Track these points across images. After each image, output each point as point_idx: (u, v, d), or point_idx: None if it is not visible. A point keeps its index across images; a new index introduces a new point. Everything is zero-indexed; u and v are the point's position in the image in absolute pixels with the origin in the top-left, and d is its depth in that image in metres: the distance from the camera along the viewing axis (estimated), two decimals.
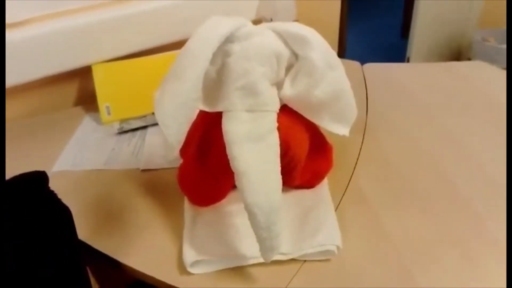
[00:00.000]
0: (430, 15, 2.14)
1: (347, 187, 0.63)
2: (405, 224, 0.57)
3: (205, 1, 0.92)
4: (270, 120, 0.49)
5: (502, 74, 0.91)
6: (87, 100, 0.88)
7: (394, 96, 0.85)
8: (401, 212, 0.59)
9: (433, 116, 0.78)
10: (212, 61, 0.48)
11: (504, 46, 1.93)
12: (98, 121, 0.82)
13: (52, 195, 0.45)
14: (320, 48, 0.51)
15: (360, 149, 0.71)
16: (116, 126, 0.79)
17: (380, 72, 0.95)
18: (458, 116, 0.78)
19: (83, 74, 0.85)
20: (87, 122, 0.83)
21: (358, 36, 2.79)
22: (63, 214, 0.45)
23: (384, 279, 0.50)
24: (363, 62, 0.97)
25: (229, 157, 0.48)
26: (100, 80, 0.83)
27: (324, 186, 0.62)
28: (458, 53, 2.34)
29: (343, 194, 0.62)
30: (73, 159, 0.72)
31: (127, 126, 0.80)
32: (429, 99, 0.83)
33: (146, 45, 0.89)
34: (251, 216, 0.46)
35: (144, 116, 0.80)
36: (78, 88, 0.89)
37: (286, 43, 0.51)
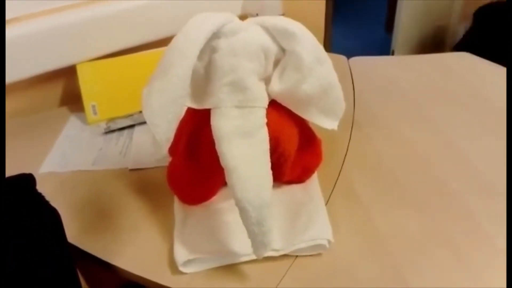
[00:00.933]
0: (414, 8, 2.15)
1: (336, 181, 0.64)
2: (394, 218, 0.57)
3: None
4: (259, 116, 0.49)
5: (487, 64, 0.92)
6: (72, 100, 0.87)
7: (381, 89, 0.86)
8: (390, 207, 0.59)
9: (421, 109, 0.79)
10: (200, 58, 0.48)
11: None
12: (84, 121, 0.81)
13: (40, 197, 0.44)
14: (308, 43, 0.50)
15: (349, 143, 0.71)
16: (103, 126, 0.78)
17: (366, 65, 0.95)
18: (446, 108, 0.79)
19: (68, 73, 0.83)
20: (73, 122, 0.82)
21: (342, 30, 2.80)
22: (51, 217, 0.44)
23: (375, 273, 0.50)
24: (348, 56, 0.97)
25: (218, 153, 0.47)
26: (85, 79, 0.81)
27: (314, 181, 0.62)
28: (442, 45, 2.37)
29: (333, 189, 0.62)
30: (60, 160, 0.71)
31: (114, 126, 0.79)
32: (416, 91, 0.84)
33: (131, 43, 0.88)
34: (242, 212, 0.46)
35: (131, 115, 0.80)
36: (63, 88, 0.88)
37: (273, 38, 0.50)
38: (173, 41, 0.49)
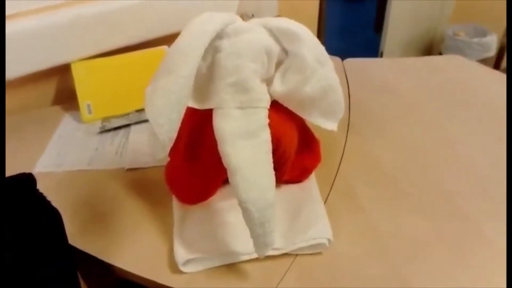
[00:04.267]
0: (403, 10, 2.17)
1: (333, 181, 0.64)
2: (392, 218, 0.58)
3: None
4: (262, 117, 0.49)
5: (478, 67, 0.94)
6: (67, 99, 0.86)
7: (376, 91, 0.86)
8: (388, 206, 0.60)
9: (415, 110, 0.80)
10: (203, 57, 0.48)
11: (474, 40, 1.99)
12: (79, 120, 0.80)
13: (42, 197, 0.43)
14: (311, 45, 0.51)
15: (345, 144, 0.72)
16: (98, 125, 0.78)
17: (360, 67, 0.96)
18: (440, 109, 0.80)
19: (62, 72, 0.83)
20: (67, 121, 0.81)
21: (331, 31, 2.81)
22: (54, 217, 0.43)
23: (374, 271, 0.51)
24: (339, 57, 0.98)
25: (221, 154, 0.47)
26: (80, 78, 0.81)
27: (312, 181, 0.63)
28: (429, 47, 2.40)
29: (331, 189, 0.63)
30: (55, 160, 0.70)
31: (109, 125, 0.78)
32: (410, 93, 0.85)
33: (127, 42, 0.87)
34: (246, 213, 0.46)
35: (127, 114, 0.79)
36: (57, 86, 0.87)
37: (276, 39, 0.51)
38: (177, 40, 0.49)
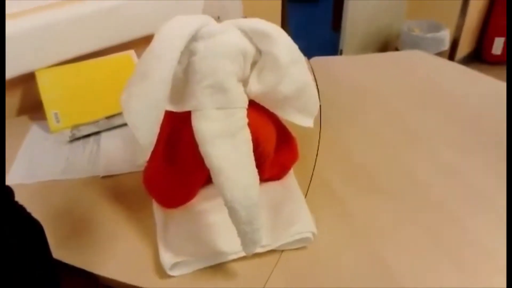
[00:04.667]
0: (360, 8, 2.23)
1: (311, 176, 0.66)
2: (368, 207, 0.61)
3: (149, 1, 0.90)
4: (240, 117, 0.50)
5: (437, 60, 0.98)
6: (32, 109, 0.83)
7: (343, 86, 0.89)
8: (362, 196, 0.62)
9: (383, 103, 0.83)
10: (179, 61, 0.48)
11: (429, 35, 2.07)
12: (47, 129, 0.78)
13: (22, 209, 0.42)
14: (284, 44, 0.52)
15: (319, 139, 0.73)
16: (67, 134, 0.76)
17: (326, 65, 0.98)
18: (406, 100, 0.83)
19: (25, 81, 0.80)
20: (34, 132, 0.78)
21: (291, 30, 2.85)
22: (36, 229, 0.42)
23: (357, 258, 0.53)
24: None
25: (203, 155, 0.48)
26: (45, 86, 0.78)
27: (291, 177, 0.64)
28: (386, 43, 2.47)
29: (309, 184, 0.64)
30: (26, 171, 0.68)
31: (78, 133, 0.76)
32: (377, 87, 0.88)
33: (92, 48, 0.86)
34: (232, 212, 0.46)
35: (97, 121, 0.77)
36: (21, 96, 0.84)
37: (250, 39, 0.51)
38: (151, 45, 0.49)
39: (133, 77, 0.49)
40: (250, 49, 0.51)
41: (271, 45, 0.51)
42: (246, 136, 0.49)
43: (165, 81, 0.46)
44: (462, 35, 2.11)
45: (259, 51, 0.52)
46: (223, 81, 0.48)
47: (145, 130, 0.47)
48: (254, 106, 0.54)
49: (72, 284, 0.55)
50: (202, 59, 0.48)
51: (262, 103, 0.55)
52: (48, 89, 0.78)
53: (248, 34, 0.51)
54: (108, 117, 0.78)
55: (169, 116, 0.54)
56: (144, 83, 0.47)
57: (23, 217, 0.41)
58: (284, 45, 0.52)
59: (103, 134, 0.77)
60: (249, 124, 0.50)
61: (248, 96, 0.53)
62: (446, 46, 2.08)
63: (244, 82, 0.53)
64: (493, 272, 0.51)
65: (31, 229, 0.42)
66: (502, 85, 0.86)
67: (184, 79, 0.51)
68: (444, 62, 0.98)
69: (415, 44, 2.09)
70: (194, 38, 0.49)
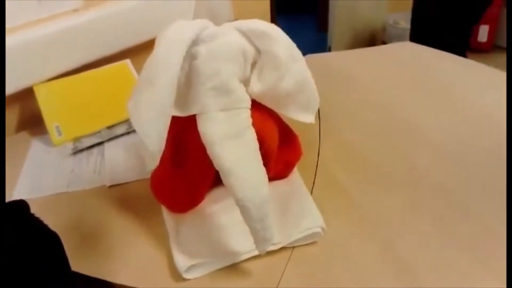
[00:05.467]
0: (345, 6, 2.26)
1: (316, 172, 0.67)
2: (376, 198, 0.61)
3: (140, 8, 0.90)
4: (245, 117, 0.51)
5: (428, 50, 1.00)
6: (31, 124, 0.83)
7: (338, 81, 0.90)
8: (368, 187, 0.63)
9: (377, 96, 0.84)
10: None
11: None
12: (48, 143, 0.78)
13: (39, 221, 0.43)
14: (282, 42, 0.53)
15: (320, 135, 0.74)
16: (70, 146, 0.76)
17: (320, 61, 0.99)
18: (400, 92, 0.85)
19: (23, 96, 0.80)
20: (36, 146, 0.78)
21: None
22: (55, 241, 0.43)
23: (369, 251, 0.54)
24: None
25: (211, 157, 0.48)
26: (45, 100, 0.79)
27: (295, 174, 0.65)
28: (373, 37, 2.50)
29: (314, 180, 0.65)
30: (31, 186, 0.68)
31: (81, 145, 0.77)
32: (369, 80, 0.89)
33: (87, 59, 0.86)
34: (244, 210, 0.47)
35: (98, 132, 0.78)
36: (20, 111, 0.84)
37: (249, 40, 0.52)
38: (154, 52, 0.49)
39: (138, 84, 0.50)
40: (250, 49, 0.52)
41: (270, 44, 0.52)
42: (252, 136, 0.50)
43: (170, 86, 0.47)
44: None
45: (258, 51, 0.53)
46: (226, 82, 0.49)
47: (155, 136, 0.48)
48: (256, 106, 0.55)
49: None
50: (204, 61, 0.49)
51: (263, 103, 0.56)
52: (48, 103, 0.79)
53: (246, 35, 0.52)
54: (109, 127, 0.78)
55: (173, 121, 0.55)
56: (150, 90, 0.48)
57: (41, 229, 0.42)
58: (283, 43, 0.53)
59: (106, 144, 0.77)
60: (253, 123, 0.51)
61: (250, 96, 0.54)
62: None
63: (245, 82, 0.54)
64: (502, 256, 0.52)
65: (50, 241, 0.42)
66: (495, 72, 0.88)
67: (187, 84, 0.51)
68: (434, 52, 0.99)
69: (401, 36, 2.12)
70: (195, 42, 0.50)
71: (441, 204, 0.60)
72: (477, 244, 0.54)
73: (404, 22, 2.18)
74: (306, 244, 0.55)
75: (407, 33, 2.10)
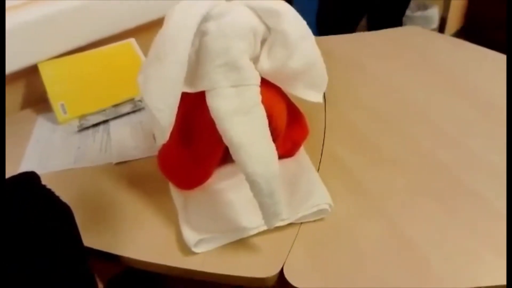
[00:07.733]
0: None
1: (322, 151, 0.67)
2: (380, 177, 0.62)
3: None
4: (254, 94, 0.51)
5: (435, 35, 1.00)
6: (35, 102, 0.83)
7: (343, 65, 0.90)
8: (374, 167, 0.64)
9: (383, 80, 0.84)
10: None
11: (417, 13, 2.09)
12: (53, 121, 0.78)
13: (50, 192, 0.43)
14: (292, 20, 0.53)
15: (325, 115, 0.75)
16: (75, 124, 0.76)
17: (325, 44, 0.98)
18: (407, 76, 0.85)
19: (28, 74, 0.80)
20: (42, 124, 0.78)
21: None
22: (65, 212, 0.43)
23: (374, 227, 0.55)
24: None
25: (221, 132, 0.48)
26: (50, 78, 0.78)
27: (302, 153, 0.65)
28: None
29: (320, 158, 0.66)
30: (38, 163, 0.68)
31: (87, 123, 0.77)
32: (376, 64, 0.89)
33: (92, 38, 0.85)
34: (253, 185, 0.48)
35: (104, 110, 0.78)
36: (25, 89, 0.83)
37: (259, 17, 0.52)
38: (163, 29, 0.49)
39: (148, 59, 0.50)
40: (260, 27, 0.52)
41: (280, 22, 0.52)
42: (261, 112, 0.50)
43: (181, 61, 0.47)
44: (450, 12, 2.13)
45: (268, 29, 0.53)
46: (236, 59, 0.49)
47: (165, 111, 0.48)
48: (265, 83, 0.55)
49: (97, 267, 0.56)
50: (215, 38, 0.49)
51: (272, 80, 0.56)
52: (53, 81, 0.78)
53: (257, 12, 0.52)
54: (115, 106, 0.78)
55: (183, 98, 0.55)
56: (160, 65, 0.47)
57: (53, 200, 0.42)
58: (293, 22, 0.52)
59: (112, 123, 0.78)
60: (262, 100, 0.51)
61: (259, 73, 0.54)
62: (434, 24, 2.10)
63: (255, 60, 0.54)
64: (501, 232, 0.53)
65: (63, 212, 0.42)
66: (499, 56, 0.88)
67: (197, 60, 0.51)
68: (441, 37, 1.00)
69: (403, 23, 2.11)
70: (205, 18, 0.49)
71: (443, 183, 0.61)
72: (477, 220, 0.55)
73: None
74: (314, 221, 0.56)
75: (410, 20, 2.09)
